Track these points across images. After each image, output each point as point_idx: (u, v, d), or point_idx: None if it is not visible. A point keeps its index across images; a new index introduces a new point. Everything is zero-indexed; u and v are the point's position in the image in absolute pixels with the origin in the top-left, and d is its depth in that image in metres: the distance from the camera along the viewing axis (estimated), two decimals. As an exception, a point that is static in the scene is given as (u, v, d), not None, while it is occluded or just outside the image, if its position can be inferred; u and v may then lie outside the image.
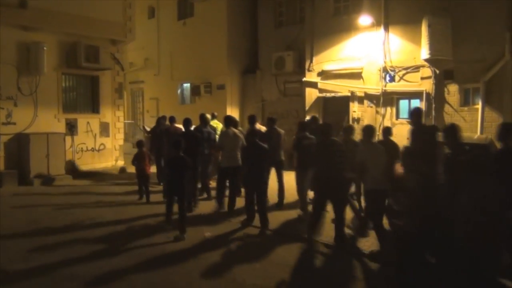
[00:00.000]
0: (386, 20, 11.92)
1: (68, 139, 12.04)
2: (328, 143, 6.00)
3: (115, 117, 13.50)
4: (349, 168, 5.92)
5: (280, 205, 8.30)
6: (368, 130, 5.92)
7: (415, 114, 6.25)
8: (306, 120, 10.19)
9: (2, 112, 10.94)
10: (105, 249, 5.94)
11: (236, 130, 8.31)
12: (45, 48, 11.23)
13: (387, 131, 7.11)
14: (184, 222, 6.47)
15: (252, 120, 8.63)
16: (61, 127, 12.04)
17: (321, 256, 5.81)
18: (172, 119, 10.16)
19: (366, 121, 11.82)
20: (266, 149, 6.87)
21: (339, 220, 5.96)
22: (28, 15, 10.97)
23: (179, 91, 17.31)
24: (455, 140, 4.92)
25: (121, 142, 13.70)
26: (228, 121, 8.37)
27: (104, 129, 13.18)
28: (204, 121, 8.85)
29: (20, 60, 11.21)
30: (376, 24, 11.97)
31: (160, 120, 10.72)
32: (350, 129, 7.55)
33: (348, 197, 6.65)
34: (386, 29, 11.93)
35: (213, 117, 10.87)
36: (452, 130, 4.94)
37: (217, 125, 10.49)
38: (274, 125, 8.66)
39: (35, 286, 4.74)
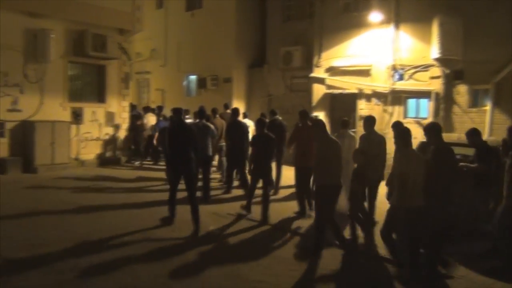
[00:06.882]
0: (396, 17, 11.77)
1: (73, 127, 12.03)
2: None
3: (120, 107, 13.47)
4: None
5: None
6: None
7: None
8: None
9: (8, 99, 10.90)
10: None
11: None
12: (52, 35, 11.17)
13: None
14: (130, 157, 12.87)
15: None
16: (66, 116, 12.02)
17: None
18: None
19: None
20: None
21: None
22: (36, 1, 10.90)
23: (185, 83, 17.24)
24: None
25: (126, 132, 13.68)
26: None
27: (110, 118, 13.16)
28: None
29: (27, 47, 11.15)
30: (386, 21, 11.83)
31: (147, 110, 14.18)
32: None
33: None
34: (397, 26, 11.79)
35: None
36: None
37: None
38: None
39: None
